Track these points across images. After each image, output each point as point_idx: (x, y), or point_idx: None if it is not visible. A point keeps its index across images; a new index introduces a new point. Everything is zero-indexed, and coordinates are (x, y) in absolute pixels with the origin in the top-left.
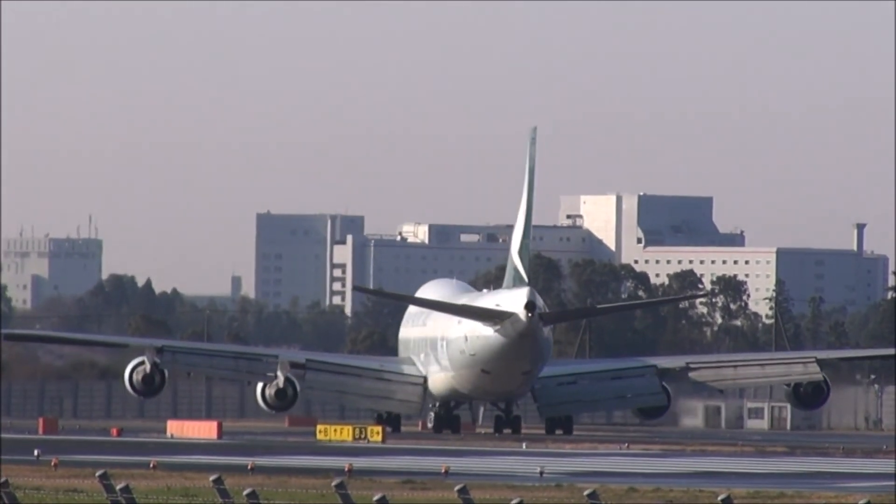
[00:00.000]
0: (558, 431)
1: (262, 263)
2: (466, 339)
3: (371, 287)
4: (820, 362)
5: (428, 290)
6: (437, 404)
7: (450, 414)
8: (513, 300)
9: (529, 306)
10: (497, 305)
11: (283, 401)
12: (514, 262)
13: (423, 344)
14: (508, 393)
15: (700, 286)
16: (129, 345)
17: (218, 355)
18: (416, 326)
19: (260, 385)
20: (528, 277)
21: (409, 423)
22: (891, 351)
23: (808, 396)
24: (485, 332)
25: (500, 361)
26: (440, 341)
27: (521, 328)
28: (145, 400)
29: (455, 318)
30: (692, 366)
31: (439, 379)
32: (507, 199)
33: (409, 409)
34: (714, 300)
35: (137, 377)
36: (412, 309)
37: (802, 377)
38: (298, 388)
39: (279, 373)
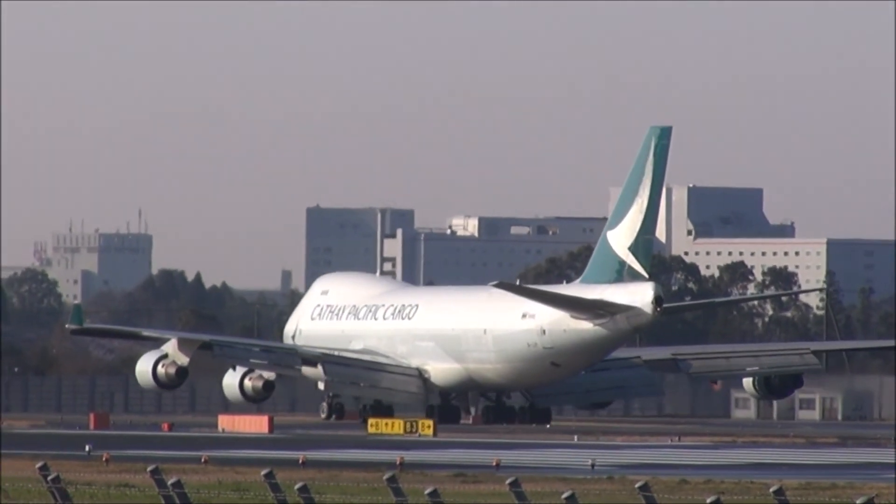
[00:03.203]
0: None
1: (312, 257)
2: (545, 332)
3: (422, 282)
4: (815, 353)
5: (339, 282)
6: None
7: (448, 405)
8: (632, 294)
9: (658, 300)
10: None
11: (268, 392)
12: (618, 255)
13: (409, 336)
14: (546, 384)
15: (751, 277)
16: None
17: (252, 349)
18: (371, 320)
19: (238, 375)
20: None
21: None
22: (891, 342)
23: (778, 387)
24: (577, 326)
25: (582, 355)
26: (476, 333)
27: (641, 322)
28: (164, 394)
29: (517, 311)
30: (678, 357)
31: (452, 371)
32: (556, 192)
33: (414, 399)
34: (764, 291)
35: (169, 370)
36: (333, 301)
37: (801, 368)
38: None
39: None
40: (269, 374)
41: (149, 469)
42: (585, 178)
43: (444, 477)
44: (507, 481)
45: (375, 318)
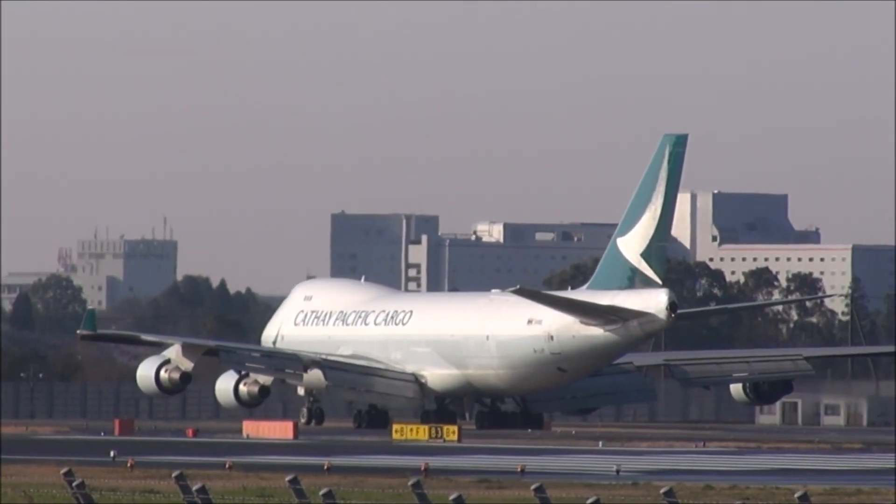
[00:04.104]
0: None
1: (337, 263)
2: (552, 337)
3: (447, 288)
4: (808, 359)
5: (323, 288)
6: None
7: (444, 410)
8: (646, 299)
9: (673, 307)
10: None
11: (263, 397)
12: (630, 261)
13: (403, 342)
14: (550, 389)
15: (776, 283)
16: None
17: (253, 354)
18: (361, 326)
19: (232, 379)
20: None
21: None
22: (884, 348)
23: (768, 392)
24: (587, 332)
25: (590, 360)
26: (478, 339)
27: (654, 328)
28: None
29: (521, 316)
30: (670, 362)
31: (450, 376)
32: (581, 198)
33: (411, 405)
34: (789, 297)
35: (173, 376)
36: (318, 307)
37: (793, 373)
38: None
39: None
40: (265, 379)
41: (174, 475)
42: (610, 185)
43: (468, 483)
44: (532, 487)
45: (366, 324)
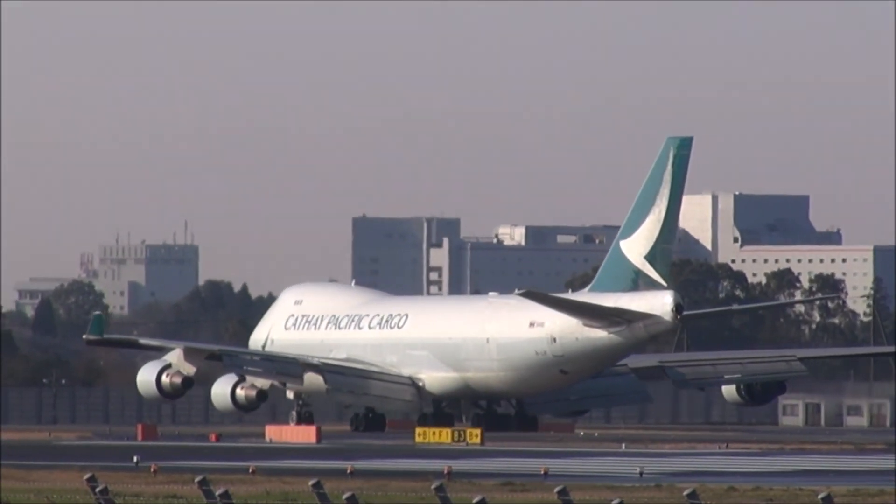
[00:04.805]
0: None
1: (359, 267)
2: (555, 339)
3: (469, 291)
4: (802, 360)
5: (313, 292)
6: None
7: (441, 412)
8: (652, 301)
9: (679, 308)
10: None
11: (261, 401)
12: (633, 264)
13: (399, 345)
14: (552, 391)
15: (797, 285)
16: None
17: (255, 357)
18: (355, 329)
19: (229, 383)
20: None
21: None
22: (881, 349)
23: (761, 394)
24: (590, 334)
25: (593, 362)
26: (478, 342)
27: (660, 330)
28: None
29: (522, 319)
30: (665, 364)
31: (448, 379)
32: (602, 201)
33: (409, 408)
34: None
35: (175, 380)
36: (309, 311)
37: (787, 374)
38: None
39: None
40: (263, 383)
41: (197, 480)
42: (631, 187)
43: (492, 486)
44: (556, 489)
45: (360, 328)
